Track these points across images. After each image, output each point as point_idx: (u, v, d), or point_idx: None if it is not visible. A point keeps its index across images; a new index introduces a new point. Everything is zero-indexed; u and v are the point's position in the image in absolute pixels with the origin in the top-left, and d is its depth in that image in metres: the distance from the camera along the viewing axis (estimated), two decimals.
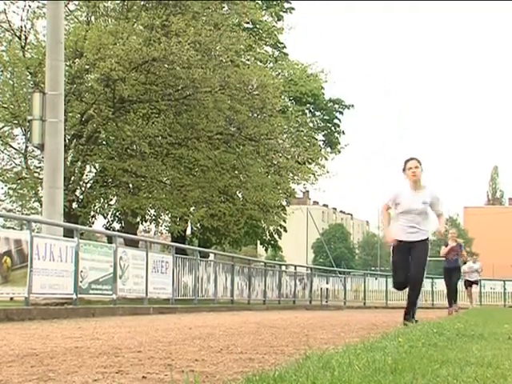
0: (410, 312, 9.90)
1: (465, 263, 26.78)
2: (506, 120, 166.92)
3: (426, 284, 34.73)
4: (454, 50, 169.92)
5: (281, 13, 33.81)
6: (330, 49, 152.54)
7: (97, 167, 25.61)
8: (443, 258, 21.24)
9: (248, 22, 30.48)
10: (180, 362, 4.84)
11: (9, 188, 24.01)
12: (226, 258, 25.90)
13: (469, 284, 27.86)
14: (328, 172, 30.48)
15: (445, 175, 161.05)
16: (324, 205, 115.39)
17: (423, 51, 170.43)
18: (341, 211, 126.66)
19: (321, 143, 34.43)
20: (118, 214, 28.59)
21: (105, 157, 23.94)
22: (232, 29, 25.10)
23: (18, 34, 23.15)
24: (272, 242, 36.14)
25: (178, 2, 23.84)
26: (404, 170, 9.65)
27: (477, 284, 28.83)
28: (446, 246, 20.04)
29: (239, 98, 24.39)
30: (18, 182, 23.70)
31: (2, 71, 23.15)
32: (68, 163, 22.31)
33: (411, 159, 9.66)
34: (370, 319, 14.16)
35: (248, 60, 28.40)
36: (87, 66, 22.35)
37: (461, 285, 28.32)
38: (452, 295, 19.98)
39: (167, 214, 27.57)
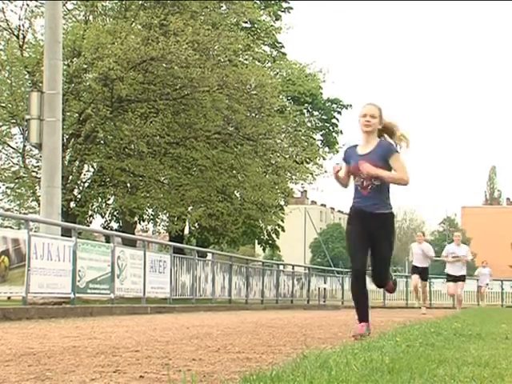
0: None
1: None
2: (505, 120, 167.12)
3: None
4: (453, 49, 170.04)
5: (279, 12, 33.84)
6: (329, 49, 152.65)
7: (95, 166, 25.62)
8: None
9: (246, 22, 30.48)
10: (177, 361, 4.84)
11: (6, 187, 24.03)
12: (224, 257, 25.89)
13: (452, 280, 20.05)
14: (326, 172, 30.44)
15: (443, 175, 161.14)
16: (322, 204, 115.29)
17: (422, 50, 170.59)
18: (339, 211, 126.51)
19: (319, 143, 34.43)
20: (115, 213, 28.59)
21: (103, 156, 23.95)
22: (230, 28, 25.11)
23: (15, 33, 23.16)
24: (270, 242, 36.15)
25: (176, 1, 23.85)
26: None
27: (463, 280, 20.14)
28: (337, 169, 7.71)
29: (237, 97, 24.40)
30: (16, 181, 23.71)
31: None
32: (66, 162, 22.31)
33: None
34: None
35: (246, 59, 28.39)
36: (85, 66, 22.36)
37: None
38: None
39: (165, 214, 27.57)
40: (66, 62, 21.35)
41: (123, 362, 4.79)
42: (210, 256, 24.39)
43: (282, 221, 33.77)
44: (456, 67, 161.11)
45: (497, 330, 8.14)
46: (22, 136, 23.27)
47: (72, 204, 23.87)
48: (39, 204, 17.87)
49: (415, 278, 19.53)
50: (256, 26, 31.71)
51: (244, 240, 36.78)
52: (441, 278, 31.22)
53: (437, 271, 39.62)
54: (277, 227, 34.68)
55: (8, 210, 23.67)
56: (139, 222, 29.24)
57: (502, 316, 14.68)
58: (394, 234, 7.39)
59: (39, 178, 18.71)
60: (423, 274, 19.36)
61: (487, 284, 31.54)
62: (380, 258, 7.29)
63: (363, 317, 7.24)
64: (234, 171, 26.88)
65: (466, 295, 33.01)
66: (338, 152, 35.33)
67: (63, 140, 20.19)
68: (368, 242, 7.19)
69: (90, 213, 25.93)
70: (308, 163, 29.34)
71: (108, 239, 21.33)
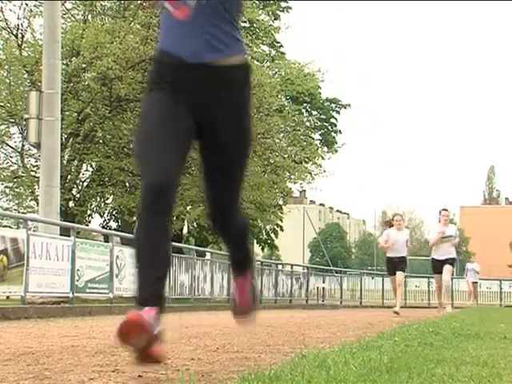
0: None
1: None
2: (503, 120, 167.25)
3: (422, 283, 34.70)
4: (452, 49, 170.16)
5: (278, 12, 33.84)
6: (327, 48, 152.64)
7: (93, 166, 25.61)
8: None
9: (245, 21, 30.47)
10: (176, 360, 4.83)
11: (5, 186, 24.04)
12: (223, 256, 25.88)
13: (438, 270, 16.58)
14: (325, 171, 30.48)
15: (441, 174, 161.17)
16: (321, 204, 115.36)
17: (421, 50, 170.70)
18: (337, 210, 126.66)
19: (317, 142, 34.45)
20: (114, 212, 28.59)
21: (101, 155, 23.94)
22: None
23: (14, 32, 23.16)
24: (268, 241, 36.15)
25: None
26: None
27: (452, 263, 16.68)
28: None
29: None
30: (15, 180, 23.72)
31: None
32: (65, 162, 22.31)
33: None
34: (366, 318, 14.17)
35: None
36: (84, 65, 22.36)
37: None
38: None
39: None
40: (64, 62, 21.34)
41: (122, 361, 4.78)
42: (208, 255, 24.39)
43: (281, 220, 33.77)
44: (455, 67, 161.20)
45: (495, 329, 8.13)
46: (20, 135, 23.28)
47: (71, 203, 23.87)
48: (38, 203, 17.89)
49: (400, 274, 16.82)
50: (255, 25, 31.70)
51: None
52: None
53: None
54: (275, 227, 34.69)
55: (7, 209, 23.68)
56: None
57: (500, 316, 14.67)
58: (250, 112, 3.85)
59: (38, 178, 18.72)
60: (401, 264, 16.68)
61: (476, 282, 31.48)
62: (226, 171, 3.70)
63: (153, 291, 3.56)
64: None
65: (459, 295, 33.03)
66: (336, 152, 35.39)
67: (62, 139, 20.18)
68: (186, 135, 3.52)
69: (88, 212, 25.93)
70: (307, 163, 29.36)
71: (107, 239, 21.31)
